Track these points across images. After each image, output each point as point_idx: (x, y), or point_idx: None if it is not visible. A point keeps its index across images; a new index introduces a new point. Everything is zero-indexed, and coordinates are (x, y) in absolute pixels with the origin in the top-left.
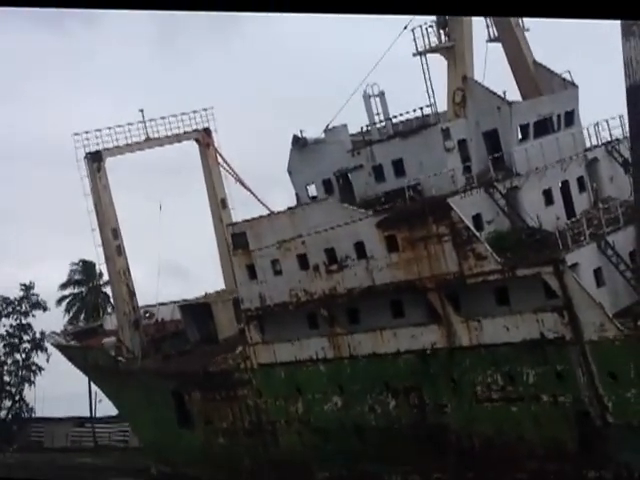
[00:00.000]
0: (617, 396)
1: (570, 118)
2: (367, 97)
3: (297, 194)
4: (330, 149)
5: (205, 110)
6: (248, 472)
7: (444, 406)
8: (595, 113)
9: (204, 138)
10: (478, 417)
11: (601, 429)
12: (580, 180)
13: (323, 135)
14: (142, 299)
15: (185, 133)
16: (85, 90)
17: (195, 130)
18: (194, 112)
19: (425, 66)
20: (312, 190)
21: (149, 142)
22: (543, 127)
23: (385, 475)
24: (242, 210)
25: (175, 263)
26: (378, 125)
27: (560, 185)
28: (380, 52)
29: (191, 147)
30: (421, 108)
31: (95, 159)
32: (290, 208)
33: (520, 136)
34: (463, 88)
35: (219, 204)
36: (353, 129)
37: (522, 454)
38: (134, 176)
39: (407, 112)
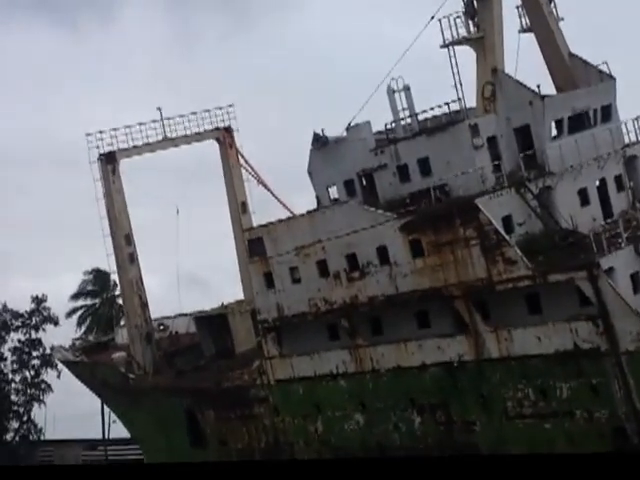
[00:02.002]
0: None
1: (607, 112)
2: (391, 92)
3: (317, 196)
4: (352, 148)
5: (227, 107)
6: None
7: (473, 424)
8: (635, 107)
9: (225, 137)
10: (509, 435)
11: (639, 447)
12: (618, 179)
13: (345, 133)
14: (158, 311)
15: (205, 132)
16: (99, 91)
17: (216, 129)
18: (215, 109)
19: (453, 59)
20: (333, 192)
21: (167, 142)
22: (578, 122)
23: None
24: (264, 215)
25: (193, 272)
26: (403, 122)
27: (597, 184)
28: (406, 44)
29: (212, 147)
30: (447, 104)
31: (109, 161)
32: (309, 211)
33: (554, 132)
34: (493, 81)
35: (239, 208)
36: (377, 126)
37: None
38: (150, 179)
39: (433, 108)
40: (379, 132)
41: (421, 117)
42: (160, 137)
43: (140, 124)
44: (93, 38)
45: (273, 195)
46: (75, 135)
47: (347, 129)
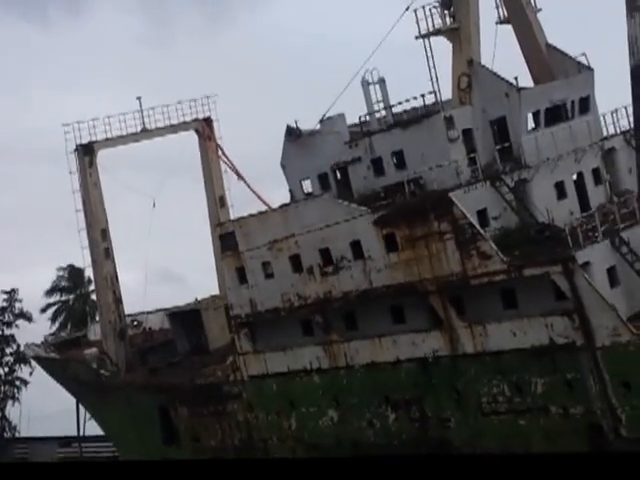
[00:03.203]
0: (631, 407)
1: (585, 104)
2: (366, 84)
3: (291, 190)
4: (326, 141)
5: (207, 98)
6: None
7: (447, 420)
8: (613, 99)
9: (204, 129)
10: (483, 431)
11: (614, 444)
12: (596, 172)
13: (319, 126)
14: (134, 307)
15: (184, 123)
16: (73, 83)
17: (195, 120)
18: (194, 100)
19: (428, 50)
20: (307, 186)
21: (145, 134)
22: (555, 114)
23: None
24: (244, 210)
25: (170, 267)
26: (378, 114)
27: (574, 177)
28: (380, 35)
29: (192, 138)
30: (423, 96)
31: (86, 152)
32: (282, 205)
33: (531, 124)
34: (469, 73)
35: (217, 202)
36: (351, 119)
37: None
38: (130, 171)
39: (408, 100)
40: (354, 125)
41: (396, 110)
42: (139, 128)
43: (120, 115)
44: (64, 30)
45: (250, 188)
46: (49, 126)
47: (321, 122)
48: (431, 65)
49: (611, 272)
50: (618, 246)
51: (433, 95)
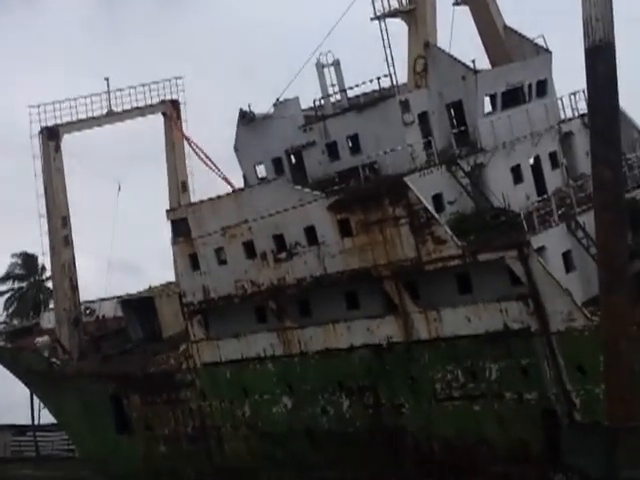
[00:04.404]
0: (586, 392)
1: (542, 87)
2: (320, 67)
3: (244, 175)
4: (280, 125)
5: (175, 79)
6: None
7: (401, 406)
8: (572, 82)
9: (171, 111)
10: (437, 418)
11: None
12: (553, 155)
13: (272, 110)
14: (91, 295)
15: (150, 106)
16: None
17: (162, 102)
18: (162, 82)
19: (384, 32)
20: (261, 170)
21: (112, 116)
22: (512, 97)
23: None
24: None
25: (130, 255)
26: (333, 98)
27: (531, 161)
28: (335, 17)
29: (160, 121)
30: (378, 78)
31: (51, 136)
32: (236, 190)
33: (488, 108)
34: (425, 55)
35: (179, 187)
36: (306, 103)
37: (484, 458)
38: (95, 156)
39: (364, 83)
40: (308, 109)
41: (352, 93)
42: (106, 111)
43: (87, 96)
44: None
45: (217, 172)
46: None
47: (275, 105)
48: (387, 47)
49: (567, 257)
50: (574, 230)
51: (389, 78)
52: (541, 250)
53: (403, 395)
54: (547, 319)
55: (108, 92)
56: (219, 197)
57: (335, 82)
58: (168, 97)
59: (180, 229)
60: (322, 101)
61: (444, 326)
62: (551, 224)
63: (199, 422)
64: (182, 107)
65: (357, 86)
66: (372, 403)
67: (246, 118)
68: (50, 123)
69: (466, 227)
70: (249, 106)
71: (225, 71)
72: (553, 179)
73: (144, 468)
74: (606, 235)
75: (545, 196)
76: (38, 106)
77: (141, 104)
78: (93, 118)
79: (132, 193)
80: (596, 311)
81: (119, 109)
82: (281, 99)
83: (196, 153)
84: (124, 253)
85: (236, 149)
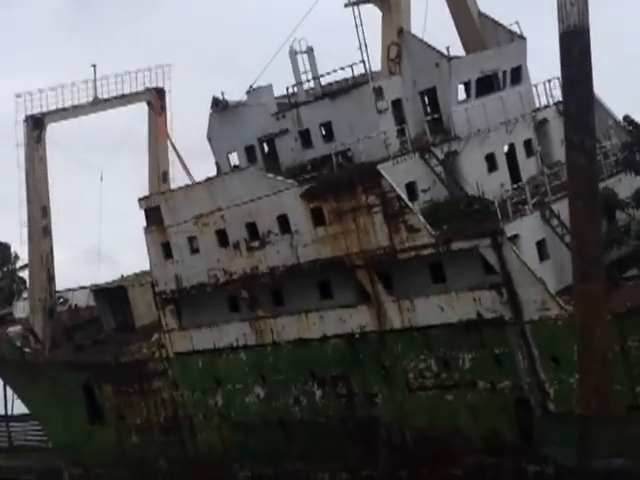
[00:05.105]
0: (559, 382)
1: (517, 74)
2: (293, 54)
3: (217, 163)
4: (253, 112)
5: (163, 67)
6: (164, 473)
7: (374, 396)
8: (547, 69)
9: (156, 100)
10: (410, 408)
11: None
12: (527, 143)
13: (245, 97)
14: (63, 286)
15: (136, 93)
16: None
17: (146, 90)
18: (148, 69)
19: (358, 19)
20: (234, 158)
21: (97, 105)
22: (487, 85)
23: (312, 473)
24: None
25: (109, 245)
26: (306, 85)
27: (505, 149)
28: (309, 3)
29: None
30: (351, 66)
31: (36, 125)
32: (208, 178)
33: (462, 95)
34: (398, 42)
35: (160, 177)
36: (280, 90)
37: (458, 448)
38: (80, 146)
39: (336, 70)
40: (281, 96)
41: (326, 81)
42: (91, 98)
43: (75, 85)
44: None
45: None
46: None
47: (248, 93)
48: (360, 34)
49: (541, 245)
50: (548, 219)
51: (362, 65)
52: (515, 239)
53: (376, 385)
54: (521, 308)
55: (94, 80)
56: (192, 185)
57: (308, 69)
58: (154, 85)
59: (153, 217)
60: (295, 88)
61: (417, 315)
62: (525, 212)
63: (171, 412)
64: (168, 96)
65: (329, 73)
66: (345, 393)
67: (219, 106)
68: (36, 111)
69: (440, 215)
70: (222, 94)
71: (201, 59)
72: (528, 167)
73: (116, 458)
74: (580, 222)
75: (519, 184)
76: (23, 94)
77: (127, 91)
78: (78, 107)
79: (115, 183)
80: (570, 300)
81: (104, 96)
82: (254, 86)
83: (174, 148)
84: (101, 243)
85: (209, 137)
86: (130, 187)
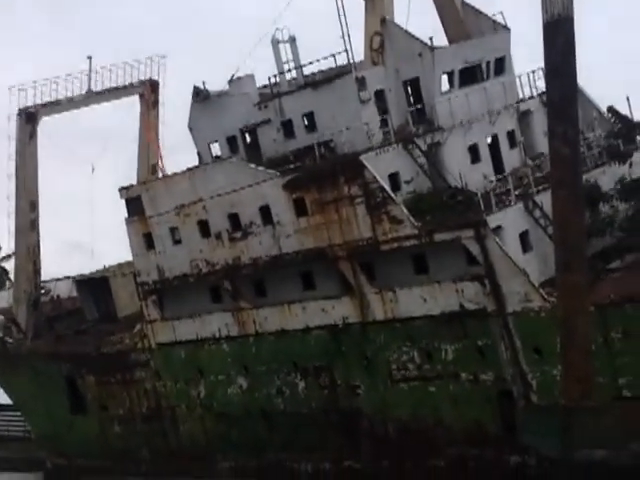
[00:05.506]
0: (542, 373)
1: (501, 65)
2: (276, 43)
3: (199, 153)
4: (235, 102)
5: (157, 58)
6: (147, 463)
7: (357, 387)
8: (530, 60)
9: (148, 93)
10: (393, 399)
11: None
12: (511, 134)
13: (227, 87)
14: (50, 275)
15: (130, 85)
16: None
17: (140, 82)
18: (144, 61)
19: (341, 8)
20: (216, 149)
21: (91, 98)
22: (470, 75)
23: (294, 464)
24: None
25: (98, 237)
26: (288, 75)
27: (488, 140)
28: None
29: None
30: (334, 55)
31: (29, 119)
32: (190, 169)
33: (445, 86)
34: (381, 32)
35: (149, 170)
36: (262, 80)
37: (440, 439)
38: (74, 137)
39: (319, 60)
40: (264, 86)
41: (308, 70)
42: (85, 90)
43: (70, 77)
44: None
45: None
46: None
47: (229, 82)
48: (343, 24)
49: (524, 237)
50: (531, 210)
51: (345, 55)
52: (498, 230)
53: (359, 376)
54: (503, 300)
55: (89, 72)
56: (173, 175)
57: (291, 59)
58: (148, 77)
59: (134, 208)
60: (277, 78)
61: (400, 307)
62: (508, 204)
63: (154, 402)
64: (161, 88)
65: (311, 63)
66: (328, 384)
67: (200, 96)
68: (30, 103)
69: (422, 207)
70: (203, 83)
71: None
72: (511, 158)
73: (99, 448)
74: (563, 212)
75: (503, 175)
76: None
77: (121, 83)
78: (72, 100)
79: (107, 175)
80: (553, 292)
81: (98, 88)
82: (236, 76)
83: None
84: (92, 234)
85: (190, 127)
86: (122, 180)
